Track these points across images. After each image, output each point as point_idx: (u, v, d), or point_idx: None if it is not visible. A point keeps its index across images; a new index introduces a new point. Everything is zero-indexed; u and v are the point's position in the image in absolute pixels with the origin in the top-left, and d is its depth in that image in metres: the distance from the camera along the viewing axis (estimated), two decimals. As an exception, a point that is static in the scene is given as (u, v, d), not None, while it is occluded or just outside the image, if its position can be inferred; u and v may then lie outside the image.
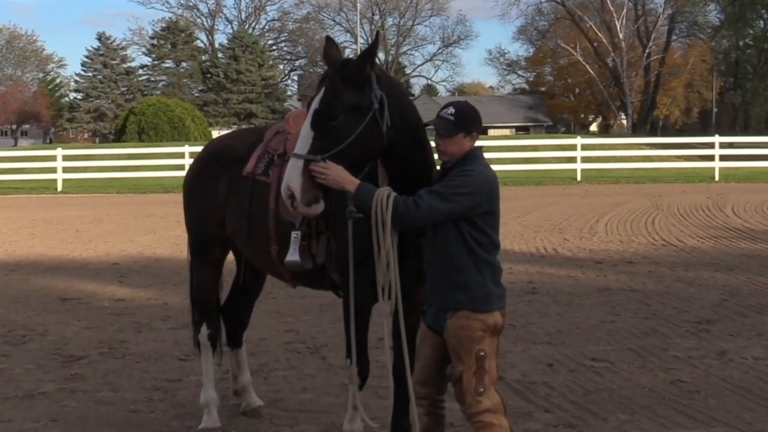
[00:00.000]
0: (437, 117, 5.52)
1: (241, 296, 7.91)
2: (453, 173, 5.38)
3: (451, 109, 5.48)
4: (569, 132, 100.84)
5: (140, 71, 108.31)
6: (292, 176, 5.36)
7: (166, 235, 21.14)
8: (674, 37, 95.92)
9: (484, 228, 5.38)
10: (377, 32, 5.64)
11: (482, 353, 5.36)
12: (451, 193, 5.27)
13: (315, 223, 6.21)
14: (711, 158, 40.82)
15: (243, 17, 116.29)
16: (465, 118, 5.45)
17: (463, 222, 5.33)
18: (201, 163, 7.42)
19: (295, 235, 6.26)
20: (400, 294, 5.55)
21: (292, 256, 6.26)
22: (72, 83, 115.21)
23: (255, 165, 6.82)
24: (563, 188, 36.44)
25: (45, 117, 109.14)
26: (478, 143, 5.54)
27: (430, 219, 5.33)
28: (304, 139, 5.42)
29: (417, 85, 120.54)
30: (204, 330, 7.48)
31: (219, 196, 7.09)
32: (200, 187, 7.29)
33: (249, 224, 6.76)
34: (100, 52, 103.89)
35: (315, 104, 5.46)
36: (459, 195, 5.27)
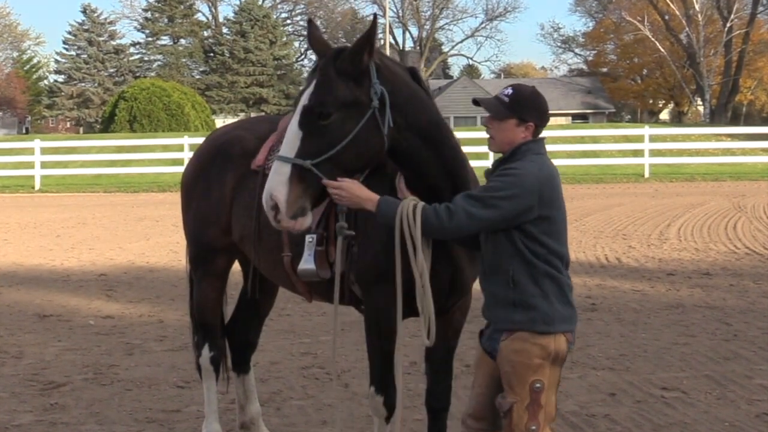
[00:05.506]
0: (494, 96, 5.50)
1: (250, 313, 7.92)
2: (497, 172, 5.37)
3: (509, 90, 5.46)
4: (635, 121, 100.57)
5: (132, 49, 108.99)
6: (276, 184, 5.34)
7: (162, 242, 21.22)
8: (761, 9, 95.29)
9: (539, 237, 5.32)
10: (374, 15, 5.63)
11: (538, 385, 5.32)
12: (491, 197, 5.23)
13: (334, 224, 6.19)
14: (804, 151, 40.66)
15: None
16: (521, 102, 5.41)
17: (515, 230, 5.30)
18: (203, 157, 7.43)
19: (310, 239, 6.21)
20: (434, 320, 5.54)
21: (307, 263, 6.22)
22: (52, 63, 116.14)
23: (266, 157, 6.81)
24: (628, 187, 36.32)
25: (20, 103, 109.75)
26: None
27: (468, 229, 5.30)
28: (290, 139, 5.41)
29: (456, 65, 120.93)
30: (206, 352, 7.50)
31: (224, 197, 7.08)
32: (202, 186, 7.29)
33: (258, 227, 6.75)
34: (85, 28, 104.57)
35: (304, 100, 5.45)
36: (500, 199, 5.22)
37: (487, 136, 5.54)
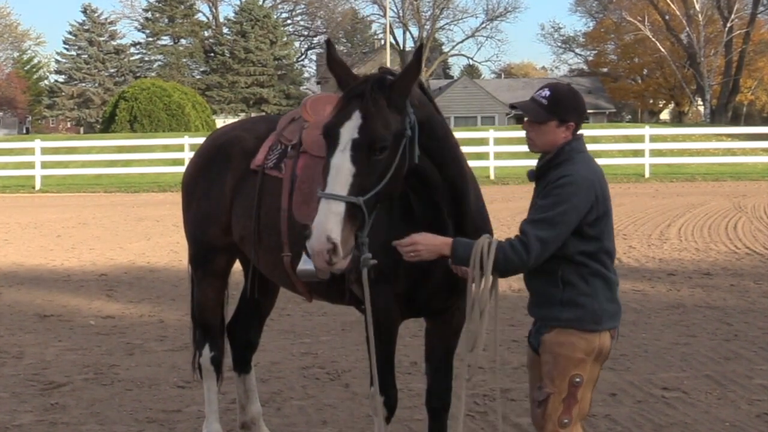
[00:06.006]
0: (530, 99, 5.46)
1: (250, 313, 7.93)
2: (548, 182, 5.33)
3: (546, 91, 5.41)
4: (636, 121, 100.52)
5: (132, 50, 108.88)
6: (333, 225, 5.09)
7: (162, 242, 21.24)
8: (761, 9, 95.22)
9: (594, 236, 5.33)
10: (421, 44, 5.50)
11: (578, 379, 5.35)
12: (556, 215, 5.20)
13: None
14: (805, 151, 40.66)
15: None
16: (561, 103, 5.38)
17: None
18: (203, 157, 7.43)
19: None
20: (479, 345, 5.49)
21: (306, 264, 6.20)
22: (52, 64, 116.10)
23: (265, 157, 6.82)
24: (629, 187, 36.31)
25: (20, 103, 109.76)
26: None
27: (546, 255, 5.24)
28: (342, 175, 5.16)
29: (456, 65, 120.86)
30: (206, 352, 7.50)
31: (224, 197, 7.09)
32: (202, 186, 7.29)
33: (258, 227, 6.75)
34: (85, 28, 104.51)
35: (352, 133, 5.21)
36: (564, 214, 5.20)
37: (526, 137, 5.51)
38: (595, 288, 5.34)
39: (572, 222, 5.21)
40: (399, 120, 5.28)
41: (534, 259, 5.18)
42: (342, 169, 5.16)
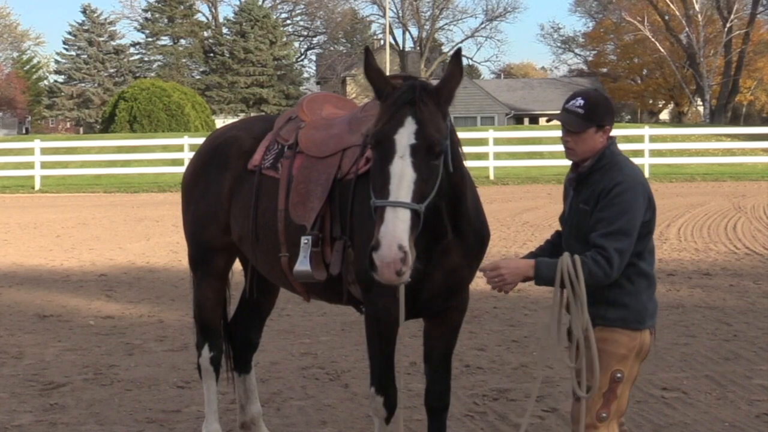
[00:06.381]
0: (563, 110, 5.54)
1: (250, 313, 7.92)
2: (601, 191, 5.41)
3: (580, 101, 5.49)
4: (635, 121, 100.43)
5: (132, 50, 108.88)
6: (402, 233, 5.04)
7: (162, 242, 21.24)
8: (761, 9, 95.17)
9: (645, 233, 5.47)
10: (459, 49, 5.51)
11: (619, 375, 5.45)
12: (625, 225, 5.32)
13: (330, 225, 6.18)
14: (804, 152, 40.66)
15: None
16: (596, 109, 5.48)
17: None
18: (202, 157, 7.44)
19: (305, 240, 6.23)
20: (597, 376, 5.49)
21: (302, 265, 6.23)
22: (52, 64, 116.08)
23: (262, 157, 6.82)
24: (628, 187, 36.22)
25: (20, 103, 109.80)
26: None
27: (624, 263, 5.35)
28: (403, 182, 5.14)
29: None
30: (206, 352, 7.50)
31: (222, 197, 7.09)
32: (201, 186, 7.29)
33: (255, 228, 6.76)
34: (85, 28, 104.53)
35: (409, 138, 5.21)
36: (632, 221, 5.34)
37: (565, 149, 5.60)
38: (639, 287, 5.47)
39: (638, 226, 5.35)
40: (445, 126, 5.34)
41: (616, 270, 5.31)
42: (405, 176, 5.15)
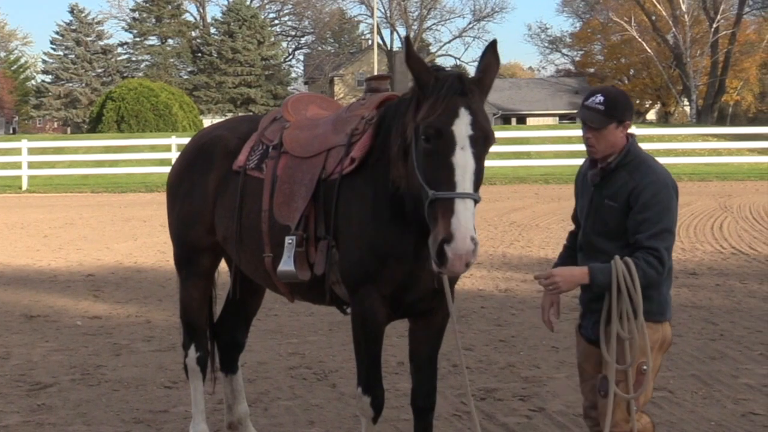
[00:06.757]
0: (582, 108, 5.62)
1: (237, 313, 7.91)
2: (632, 189, 5.50)
3: (600, 97, 5.57)
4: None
5: (119, 50, 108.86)
6: (472, 225, 5.14)
7: (149, 242, 21.21)
8: (747, 9, 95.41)
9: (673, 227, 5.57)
10: (494, 40, 5.55)
11: (645, 367, 5.52)
12: (669, 222, 5.44)
13: (314, 225, 6.18)
14: (790, 151, 40.74)
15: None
16: (616, 105, 5.57)
17: None
18: (187, 157, 7.43)
19: (289, 240, 6.22)
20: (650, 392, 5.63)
21: (286, 265, 6.23)
22: (39, 64, 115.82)
23: (247, 157, 6.82)
24: (615, 187, 36.28)
25: (7, 103, 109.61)
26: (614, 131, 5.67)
27: (671, 260, 5.48)
28: (467, 173, 5.21)
29: (444, 65, 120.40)
30: (192, 353, 7.49)
31: (207, 197, 7.08)
32: (186, 186, 7.28)
33: (239, 228, 6.75)
34: (73, 28, 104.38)
35: (467, 129, 5.25)
36: (673, 218, 5.48)
37: (586, 147, 5.72)
38: (661, 281, 5.54)
39: (677, 221, 5.52)
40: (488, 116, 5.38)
41: (667, 269, 5.44)
42: (468, 167, 5.21)
